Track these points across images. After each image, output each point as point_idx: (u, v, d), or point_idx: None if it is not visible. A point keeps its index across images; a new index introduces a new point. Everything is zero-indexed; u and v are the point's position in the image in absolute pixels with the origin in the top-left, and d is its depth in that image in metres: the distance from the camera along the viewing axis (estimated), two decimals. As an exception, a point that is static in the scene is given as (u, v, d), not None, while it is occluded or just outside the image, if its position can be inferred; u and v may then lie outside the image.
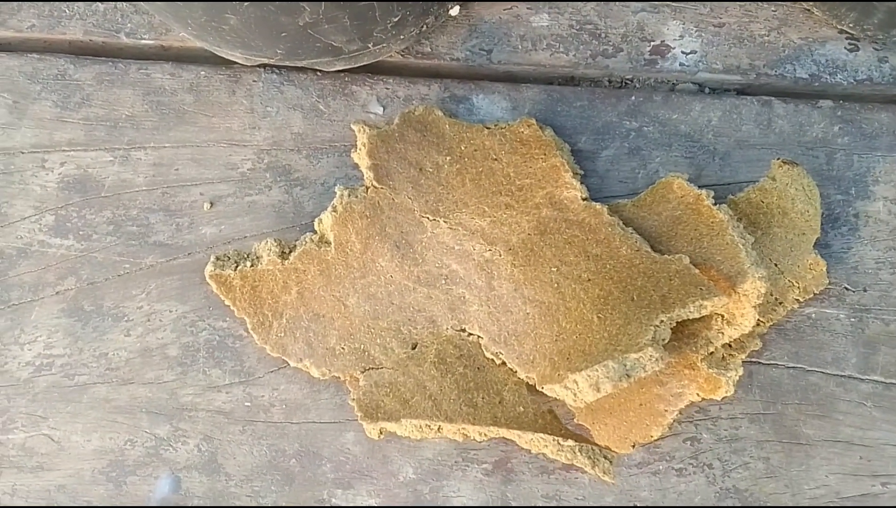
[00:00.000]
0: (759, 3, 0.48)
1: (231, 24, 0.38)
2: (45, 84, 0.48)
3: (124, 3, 0.49)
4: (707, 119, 0.47)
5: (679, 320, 0.38)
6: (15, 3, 0.49)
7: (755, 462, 0.43)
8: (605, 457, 0.39)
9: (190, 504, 0.43)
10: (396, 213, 0.43)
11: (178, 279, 0.45)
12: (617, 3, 0.48)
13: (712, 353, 0.39)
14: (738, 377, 0.39)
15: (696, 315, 0.38)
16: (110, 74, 0.48)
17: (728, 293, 0.38)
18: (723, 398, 0.41)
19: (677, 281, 0.38)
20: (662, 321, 0.37)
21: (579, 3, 0.48)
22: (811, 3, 0.47)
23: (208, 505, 0.43)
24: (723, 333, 0.39)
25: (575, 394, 0.37)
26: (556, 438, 0.38)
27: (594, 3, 0.48)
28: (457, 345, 0.42)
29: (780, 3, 0.48)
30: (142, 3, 0.43)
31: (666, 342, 0.37)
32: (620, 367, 0.35)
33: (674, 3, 0.48)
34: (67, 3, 0.49)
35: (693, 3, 0.48)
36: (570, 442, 0.38)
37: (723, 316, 0.39)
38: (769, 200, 0.42)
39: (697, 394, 0.40)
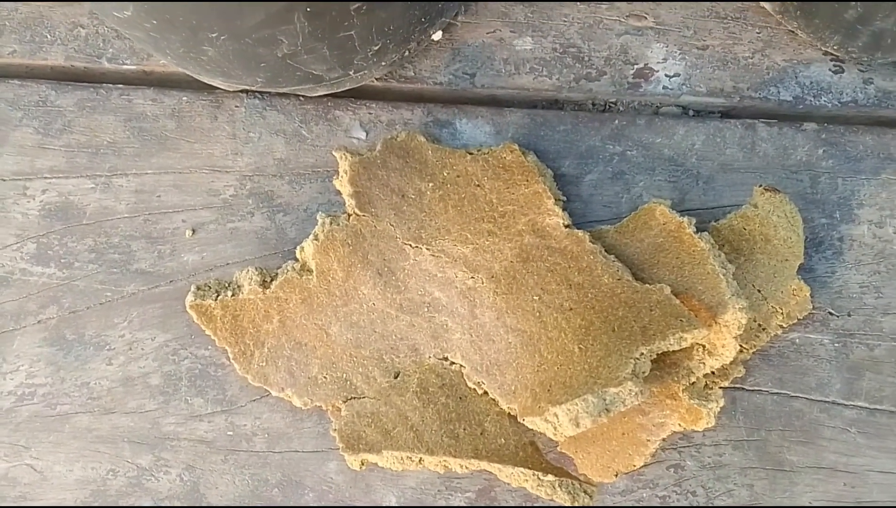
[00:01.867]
0: (743, 26, 0.48)
1: (209, 56, 0.38)
2: (26, 111, 0.47)
3: (106, 29, 0.48)
4: (691, 143, 0.47)
5: (659, 352, 0.38)
6: (-4, 28, 0.49)
7: (739, 489, 0.43)
8: (586, 492, 0.39)
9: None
10: (379, 240, 0.43)
11: (160, 307, 0.45)
12: (600, 26, 0.48)
13: (694, 383, 0.39)
14: (718, 409, 0.39)
15: (677, 347, 0.38)
16: (92, 100, 0.47)
17: (708, 324, 0.38)
18: (705, 429, 0.40)
19: (658, 312, 0.38)
20: (643, 354, 0.37)
21: (562, 26, 0.48)
22: (796, 24, 0.47)
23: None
24: (704, 363, 0.39)
25: (555, 427, 0.37)
26: (535, 473, 0.38)
27: (577, 26, 0.48)
28: (439, 374, 0.41)
29: (764, 25, 0.48)
30: (123, 30, 0.42)
31: (646, 374, 0.37)
32: (600, 401, 0.35)
33: (658, 26, 0.48)
34: (49, 28, 0.48)
35: (678, 17, 0.48)
36: (550, 477, 0.38)
37: (704, 346, 0.39)
38: (751, 226, 0.42)
39: (679, 424, 0.40)
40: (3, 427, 0.44)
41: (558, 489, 0.38)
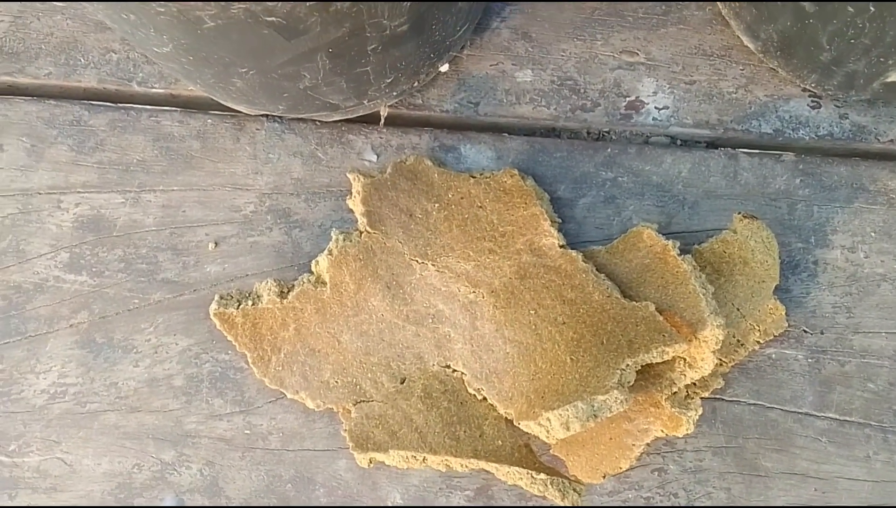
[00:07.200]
0: (728, 63, 0.52)
1: (237, 87, 0.42)
2: (61, 129, 0.51)
3: (136, 54, 0.52)
4: (678, 171, 0.50)
5: (644, 363, 0.41)
6: (33, 52, 0.52)
7: (718, 492, 0.46)
8: (575, 490, 0.42)
9: (192, 526, 0.46)
10: (388, 256, 0.47)
11: (184, 314, 0.48)
12: (595, 61, 0.51)
13: (675, 393, 0.43)
14: (697, 417, 0.42)
15: (659, 359, 0.41)
16: (123, 120, 0.51)
17: (689, 339, 0.41)
18: (685, 434, 0.44)
19: (643, 327, 0.42)
20: (628, 365, 0.41)
21: (560, 60, 0.51)
22: (776, 63, 0.51)
23: (209, 527, 0.46)
24: (685, 374, 0.42)
25: (548, 431, 0.40)
26: (529, 472, 0.42)
27: (574, 60, 0.51)
28: (442, 380, 0.45)
29: (748, 63, 0.52)
30: (159, 61, 0.46)
31: (631, 384, 0.40)
32: (589, 408, 0.39)
33: (649, 62, 0.52)
34: (83, 53, 0.52)
35: (667, 54, 0.52)
36: (543, 476, 0.42)
37: (685, 359, 0.43)
38: (731, 250, 0.46)
39: (662, 430, 0.43)
40: (36, 423, 0.47)
41: (550, 486, 0.42)
